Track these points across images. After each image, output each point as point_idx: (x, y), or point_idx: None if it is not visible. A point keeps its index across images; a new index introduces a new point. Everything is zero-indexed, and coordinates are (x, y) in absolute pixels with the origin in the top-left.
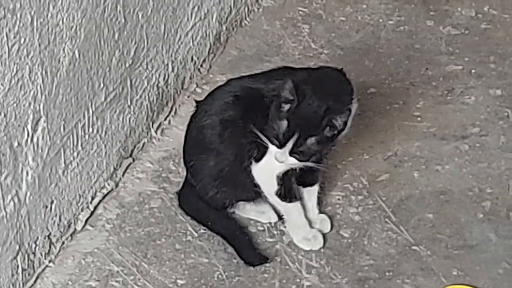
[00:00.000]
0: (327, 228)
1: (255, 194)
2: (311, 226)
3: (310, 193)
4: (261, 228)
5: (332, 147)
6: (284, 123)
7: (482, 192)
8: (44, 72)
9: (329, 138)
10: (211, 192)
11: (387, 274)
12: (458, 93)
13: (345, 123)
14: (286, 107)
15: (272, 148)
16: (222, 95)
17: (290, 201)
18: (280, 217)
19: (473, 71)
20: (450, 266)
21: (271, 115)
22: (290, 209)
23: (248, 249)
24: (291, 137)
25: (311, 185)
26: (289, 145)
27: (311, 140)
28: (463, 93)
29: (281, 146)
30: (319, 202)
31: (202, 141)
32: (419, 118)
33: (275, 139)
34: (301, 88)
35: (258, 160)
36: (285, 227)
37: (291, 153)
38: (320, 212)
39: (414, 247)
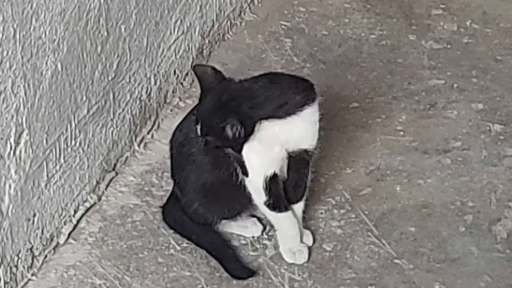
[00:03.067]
0: (309, 242)
1: (239, 210)
2: None
3: (295, 210)
4: (244, 242)
5: (310, 156)
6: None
7: (464, 205)
8: (26, 85)
9: (231, 141)
10: (194, 206)
11: (369, 287)
12: (441, 107)
13: (241, 130)
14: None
15: None
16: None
17: (279, 211)
18: (263, 231)
19: (455, 85)
20: (432, 279)
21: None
22: (280, 219)
23: (234, 263)
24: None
25: (296, 202)
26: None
27: (210, 137)
28: (445, 107)
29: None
30: (303, 217)
31: (183, 157)
32: (401, 132)
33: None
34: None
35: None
36: (268, 240)
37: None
38: (304, 227)
39: (396, 261)
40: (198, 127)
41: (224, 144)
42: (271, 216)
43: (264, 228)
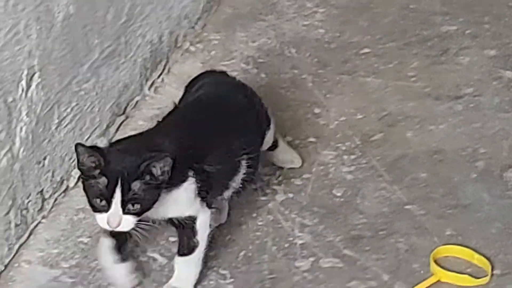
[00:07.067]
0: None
1: None
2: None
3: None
4: (254, 187)
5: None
6: (103, 179)
7: (475, 152)
8: (39, 27)
9: (156, 185)
10: None
11: (380, 232)
12: (453, 54)
13: (167, 172)
14: (97, 170)
15: (101, 219)
16: None
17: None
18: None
19: (467, 31)
20: (443, 225)
21: (86, 187)
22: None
23: None
24: (115, 187)
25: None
26: (117, 196)
27: (136, 185)
28: (457, 53)
29: (108, 202)
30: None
31: None
32: (413, 78)
33: (99, 198)
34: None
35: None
36: (278, 185)
37: (124, 209)
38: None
39: (407, 206)
40: (118, 191)
41: (150, 194)
42: None
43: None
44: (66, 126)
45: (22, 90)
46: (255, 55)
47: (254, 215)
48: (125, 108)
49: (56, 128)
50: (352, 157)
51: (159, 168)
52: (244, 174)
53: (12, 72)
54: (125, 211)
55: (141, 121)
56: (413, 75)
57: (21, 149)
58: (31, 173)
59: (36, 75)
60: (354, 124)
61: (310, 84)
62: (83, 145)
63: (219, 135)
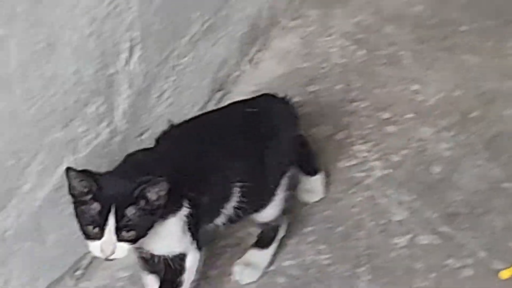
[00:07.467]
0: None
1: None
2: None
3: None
4: (353, 162)
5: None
6: (95, 205)
7: None
8: None
9: (151, 211)
10: None
11: (477, 210)
12: None
13: (163, 197)
14: (89, 195)
15: (94, 246)
16: None
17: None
18: None
19: None
20: None
21: (78, 213)
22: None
23: None
24: (108, 213)
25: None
26: (111, 223)
27: (131, 210)
28: None
29: (101, 229)
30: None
31: None
32: (511, 57)
33: (92, 225)
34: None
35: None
36: (377, 160)
37: (118, 236)
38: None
39: (504, 184)
40: (111, 218)
41: (146, 220)
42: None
43: None
44: (165, 100)
45: (125, 62)
46: (354, 31)
47: (352, 191)
48: (224, 83)
49: (155, 102)
50: (451, 133)
51: (155, 193)
52: (237, 202)
53: (113, 43)
54: (119, 238)
55: (239, 96)
56: (511, 54)
57: (122, 122)
58: (130, 147)
59: (138, 47)
60: (452, 101)
61: (409, 60)
62: (74, 169)
63: (213, 158)
